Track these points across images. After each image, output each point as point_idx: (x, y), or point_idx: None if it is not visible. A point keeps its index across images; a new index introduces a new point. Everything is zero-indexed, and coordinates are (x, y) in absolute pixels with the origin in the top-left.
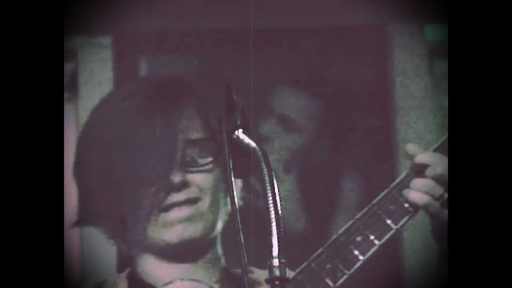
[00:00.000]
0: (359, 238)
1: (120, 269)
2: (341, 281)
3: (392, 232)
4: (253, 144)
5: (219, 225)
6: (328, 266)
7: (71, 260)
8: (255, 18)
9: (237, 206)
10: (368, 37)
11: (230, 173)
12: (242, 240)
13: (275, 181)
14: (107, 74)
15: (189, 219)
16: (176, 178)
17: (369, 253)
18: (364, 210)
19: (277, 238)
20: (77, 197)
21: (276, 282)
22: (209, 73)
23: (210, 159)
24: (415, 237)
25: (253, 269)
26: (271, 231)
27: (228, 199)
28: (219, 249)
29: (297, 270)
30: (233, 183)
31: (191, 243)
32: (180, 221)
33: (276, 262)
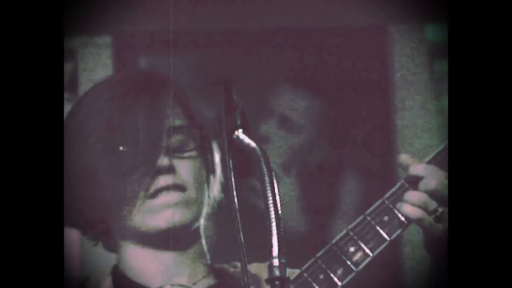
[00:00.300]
0: (352, 249)
1: None
2: None
3: (386, 243)
4: (253, 144)
5: (203, 216)
6: (321, 276)
7: (71, 260)
8: (255, 18)
9: (237, 206)
10: (368, 37)
11: (230, 173)
12: (242, 240)
13: (275, 181)
14: (107, 74)
15: (178, 205)
16: (163, 162)
17: (363, 264)
18: (358, 220)
19: (277, 238)
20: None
21: (276, 282)
22: (209, 73)
23: (194, 145)
24: (415, 237)
25: (237, 263)
26: (271, 231)
27: (211, 191)
28: (204, 244)
29: (291, 280)
30: (233, 183)
31: (180, 230)
32: (169, 206)
33: (276, 262)
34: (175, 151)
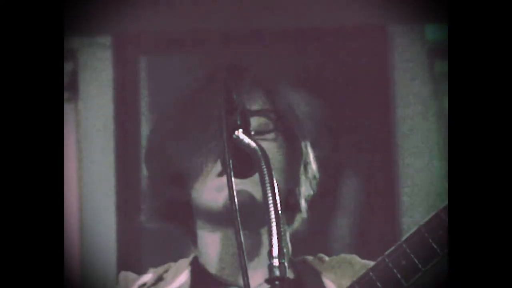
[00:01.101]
0: (404, 262)
1: (120, 269)
2: None
3: (437, 258)
4: (253, 144)
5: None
6: None
7: (71, 260)
8: (255, 18)
9: (237, 206)
10: (368, 37)
11: (230, 173)
12: (242, 240)
13: (275, 181)
14: (107, 74)
15: (247, 183)
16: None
17: (413, 279)
18: (411, 232)
19: (277, 238)
20: (151, 190)
21: (276, 282)
22: (209, 73)
23: (271, 127)
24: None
25: (324, 256)
26: (271, 231)
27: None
28: (287, 236)
29: None
30: (233, 183)
31: (249, 208)
32: (237, 183)
33: (276, 262)
34: (253, 134)
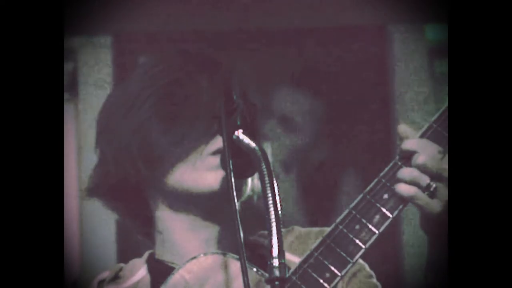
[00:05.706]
0: (357, 226)
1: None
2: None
3: (389, 220)
4: (253, 144)
5: (246, 193)
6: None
7: (71, 260)
8: (255, 18)
9: (237, 207)
10: (368, 37)
11: (230, 174)
12: (243, 240)
13: (275, 181)
14: (107, 74)
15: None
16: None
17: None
18: (358, 199)
19: (277, 238)
20: (97, 165)
21: (276, 282)
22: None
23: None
24: (415, 236)
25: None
26: (271, 231)
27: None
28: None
29: (301, 259)
30: (233, 184)
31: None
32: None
33: (276, 262)
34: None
